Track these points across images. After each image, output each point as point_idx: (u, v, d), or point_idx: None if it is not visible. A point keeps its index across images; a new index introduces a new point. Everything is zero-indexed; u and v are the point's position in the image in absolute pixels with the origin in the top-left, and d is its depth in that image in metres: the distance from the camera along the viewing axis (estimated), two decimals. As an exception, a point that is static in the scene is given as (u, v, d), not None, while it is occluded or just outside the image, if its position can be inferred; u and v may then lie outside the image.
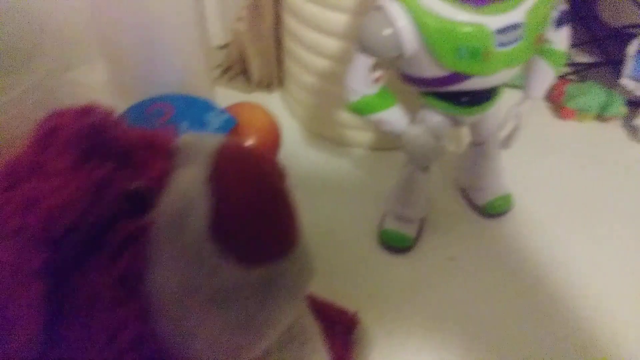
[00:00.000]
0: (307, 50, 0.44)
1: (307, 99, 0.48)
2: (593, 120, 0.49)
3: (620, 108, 0.48)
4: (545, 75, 0.34)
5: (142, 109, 0.42)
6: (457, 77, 0.30)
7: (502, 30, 0.28)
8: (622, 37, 0.50)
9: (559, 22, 0.32)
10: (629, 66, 0.45)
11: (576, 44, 0.55)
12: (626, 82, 0.46)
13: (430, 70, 0.30)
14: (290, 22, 0.45)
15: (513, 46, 0.28)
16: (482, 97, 0.33)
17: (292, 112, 0.52)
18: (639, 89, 0.46)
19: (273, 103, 0.54)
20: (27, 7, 0.44)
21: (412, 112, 0.35)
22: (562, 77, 0.52)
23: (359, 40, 0.30)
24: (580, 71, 0.53)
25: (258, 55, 0.51)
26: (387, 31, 0.29)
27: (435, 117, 0.34)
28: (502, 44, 0.28)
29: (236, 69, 0.54)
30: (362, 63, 0.31)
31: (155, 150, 0.20)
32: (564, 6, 0.32)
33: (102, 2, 0.40)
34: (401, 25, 0.28)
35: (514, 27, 0.28)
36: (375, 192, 0.43)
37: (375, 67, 0.31)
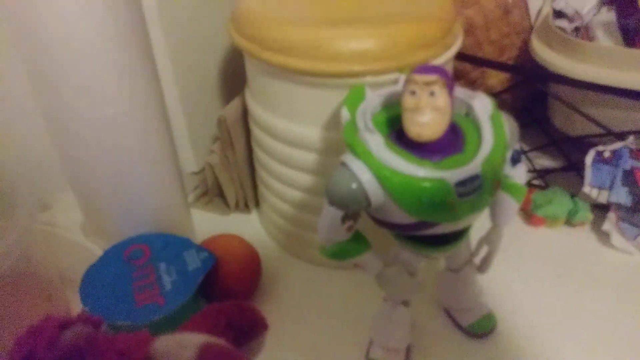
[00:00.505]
0: (278, 181, 0.46)
1: (282, 222, 0.49)
2: (562, 225, 0.51)
3: (587, 214, 0.49)
4: (509, 207, 0.36)
5: (120, 252, 0.43)
6: (424, 224, 0.31)
7: (462, 183, 0.29)
8: (579, 142, 0.53)
9: (514, 160, 0.34)
10: (588, 175, 0.48)
11: (536, 147, 0.58)
12: (588, 190, 0.48)
13: (398, 217, 0.31)
14: (260, 156, 0.46)
15: (474, 195, 0.30)
16: (452, 237, 0.34)
17: (269, 233, 0.53)
18: (600, 196, 0.48)
19: (251, 223, 0.54)
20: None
21: (386, 249, 0.36)
22: (526, 184, 0.54)
23: (327, 195, 0.31)
24: (543, 176, 0.55)
25: (231, 183, 0.52)
26: (352, 186, 0.30)
27: (408, 255, 0.35)
28: (463, 195, 0.29)
29: (212, 194, 0.55)
30: (332, 215, 0.32)
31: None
32: (517, 145, 0.34)
33: (71, 148, 0.40)
34: (365, 180, 0.30)
35: (472, 179, 0.29)
36: (359, 315, 0.44)
37: (345, 217, 0.32)
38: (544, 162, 0.58)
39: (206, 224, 0.54)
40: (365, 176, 0.30)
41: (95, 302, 0.39)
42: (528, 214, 0.51)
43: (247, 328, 0.31)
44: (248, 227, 0.54)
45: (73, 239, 0.47)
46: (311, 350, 0.42)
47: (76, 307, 0.40)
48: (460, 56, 0.46)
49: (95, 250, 0.45)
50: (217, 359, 0.19)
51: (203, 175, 0.53)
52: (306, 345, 0.42)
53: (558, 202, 0.50)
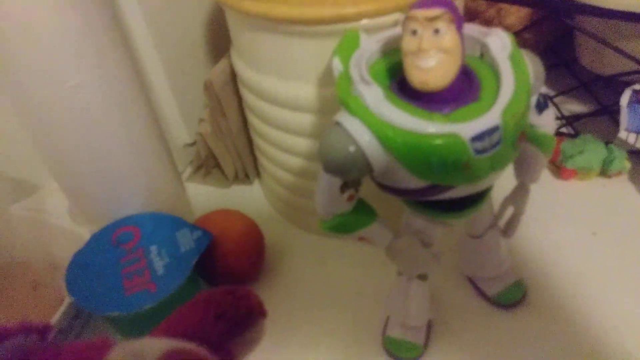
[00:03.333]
0: (275, 147, 0.41)
1: (284, 192, 0.45)
2: (596, 176, 0.46)
3: (624, 162, 0.44)
4: (537, 161, 0.31)
5: (108, 236, 0.39)
6: (438, 188, 0.26)
7: (478, 137, 0.24)
8: (611, 83, 0.47)
9: (540, 107, 0.29)
10: (624, 118, 0.42)
11: (563, 91, 0.52)
12: (624, 135, 0.42)
13: (407, 182, 0.27)
14: (254, 121, 0.42)
15: (493, 151, 0.25)
16: (472, 200, 0.29)
17: (272, 204, 0.49)
18: (639, 141, 0.42)
19: (253, 194, 0.51)
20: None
21: (395, 217, 0.32)
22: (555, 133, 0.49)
23: (321, 160, 0.27)
24: (572, 123, 0.49)
25: (227, 153, 0.48)
26: (349, 149, 0.25)
27: (421, 223, 0.30)
28: (481, 151, 0.25)
29: (208, 165, 0.51)
30: (330, 183, 0.27)
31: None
32: (542, 89, 0.29)
33: (38, 128, 0.36)
34: (363, 141, 0.25)
35: (490, 131, 0.24)
36: (374, 288, 0.40)
37: (345, 185, 0.28)
38: (573, 107, 0.53)
39: (205, 198, 0.50)
40: (363, 137, 0.25)
41: (82, 292, 0.35)
42: (557, 166, 0.46)
43: (242, 317, 0.28)
44: (250, 199, 0.50)
45: (60, 224, 0.43)
46: (320, 332, 0.38)
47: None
48: (473, -8, 0.40)
49: (84, 234, 0.41)
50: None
51: (197, 149, 0.49)
52: (314, 327, 0.38)
53: (590, 151, 0.44)
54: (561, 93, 0.52)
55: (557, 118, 0.50)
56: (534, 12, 0.49)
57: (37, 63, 0.31)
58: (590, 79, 0.50)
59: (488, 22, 0.48)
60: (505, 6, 0.47)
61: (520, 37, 0.49)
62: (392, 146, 0.25)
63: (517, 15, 0.49)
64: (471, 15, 0.48)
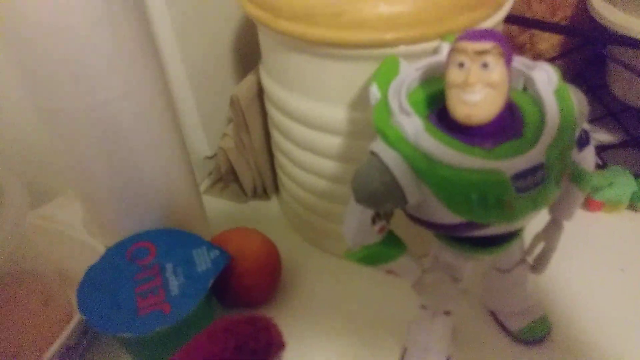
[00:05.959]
0: (298, 167, 0.40)
1: (303, 212, 0.44)
2: (625, 210, 0.44)
3: (654, 198, 0.43)
4: (573, 197, 0.30)
5: (123, 251, 0.38)
6: (474, 225, 0.25)
7: (521, 175, 0.23)
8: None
9: (581, 143, 0.28)
10: (658, 153, 0.41)
11: (591, 119, 0.51)
12: (657, 170, 0.41)
13: (442, 217, 0.26)
14: (278, 138, 0.41)
15: (536, 189, 0.24)
16: (507, 236, 0.28)
17: (289, 222, 0.48)
18: (673, 177, 0.41)
19: (270, 211, 0.50)
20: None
21: (423, 249, 0.31)
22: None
23: (354, 191, 0.26)
24: (600, 153, 0.48)
25: (248, 169, 0.47)
26: (384, 180, 0.24)
27: (451, 257, 0.29)
28: (523, 190, 0.24)
29: (227, 179, 0.50)
30: (361, 215, 0.26)
31: None
32: (584, 125, 0.28)
33: (61, 139, 0.36)
34: (399, 173, 0.24)
35: (534, 169, 0.23)
36: (392, 315, 0.39)
37: (376, 216, 0.27)
38: (601, 136, 0.51)
39: (222, 212, 0.49)
40: (399, 168, 0.24)
41: (93, 310, 0.34)
42: (585, 197, 0.45)
43: (262, 349, 0.27)
44: (267, 215, 0.49)
45: (74, 235, 0.42)
46: (335, 355, 0.37)
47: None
48: (507, 18, 0.39)
49: (98, 247, 0.41)
50: None
51: (217, 161, 0.48)
52: (329, 355, 0.37)
53: (620, 184, 0.43)
54: (589, 121, 0.51)
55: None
56: (566, 40, 0.48)
57: (69, 75, 0.31)
58: (619, 108, 0.49)
59: (520, 48, 0.47)
60: (537, 32, 0.46)
61: (551, 64, 0.48)
62: (429, 180, 0.24)
63: (550, 42, 0.48)
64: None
